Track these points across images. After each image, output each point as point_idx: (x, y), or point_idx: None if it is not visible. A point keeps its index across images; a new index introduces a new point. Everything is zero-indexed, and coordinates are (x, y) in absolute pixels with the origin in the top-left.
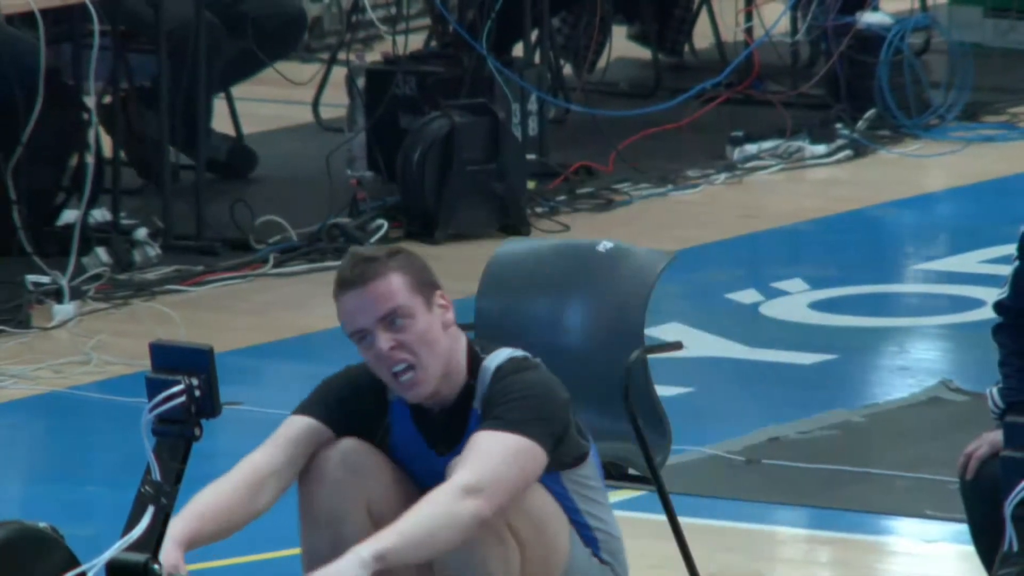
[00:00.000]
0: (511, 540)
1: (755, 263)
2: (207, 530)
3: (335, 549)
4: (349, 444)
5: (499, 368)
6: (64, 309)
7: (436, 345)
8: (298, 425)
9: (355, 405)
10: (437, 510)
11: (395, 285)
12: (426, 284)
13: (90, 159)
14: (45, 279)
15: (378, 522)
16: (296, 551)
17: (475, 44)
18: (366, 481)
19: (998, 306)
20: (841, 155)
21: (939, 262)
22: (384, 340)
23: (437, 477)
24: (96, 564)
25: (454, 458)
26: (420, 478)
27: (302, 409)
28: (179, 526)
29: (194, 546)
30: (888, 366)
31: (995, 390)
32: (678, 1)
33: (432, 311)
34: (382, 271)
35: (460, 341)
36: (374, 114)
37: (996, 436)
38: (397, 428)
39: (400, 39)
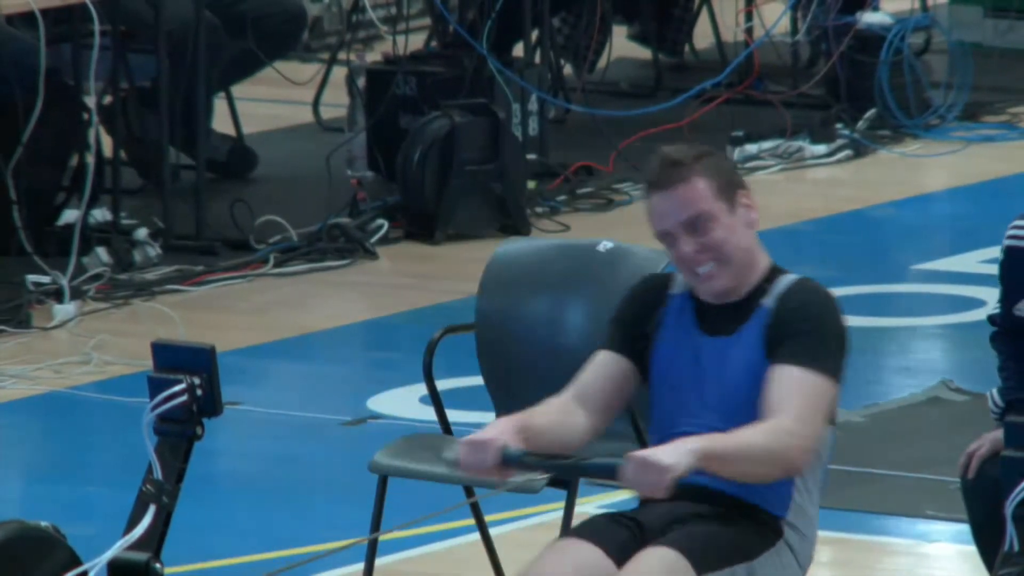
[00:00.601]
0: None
1: None
2: (538, 423)
3: None
4: (583, 555)
5: (802, 280)
6: (64, 309)
7: (737, 246)
8: (594, 358)
9: (639, 310)
10: (769, 441)
11: (700, 190)
12: (731, 186)
13: (90, 159)
14: (45, 279)
15: None
16: (296, 551)
17: (475, 44)
18: None
19: (990, 319)
20: (841, 155)
21: (939, 262)
22: (687, 243)
23: (695, 355)
24: (98, 563)
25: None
26: (677, 359)
27: (602, 342)
28: (504, 421)
29: (527, 432)
30: (888, 366)
31: (995, 391)
32: (678, 1)
33: (735, 212)
34: (687, 175)
35: (758, 243)
36: (374, 114)
37: (997, 436)
38: (671, 319)
39: (400, 39)
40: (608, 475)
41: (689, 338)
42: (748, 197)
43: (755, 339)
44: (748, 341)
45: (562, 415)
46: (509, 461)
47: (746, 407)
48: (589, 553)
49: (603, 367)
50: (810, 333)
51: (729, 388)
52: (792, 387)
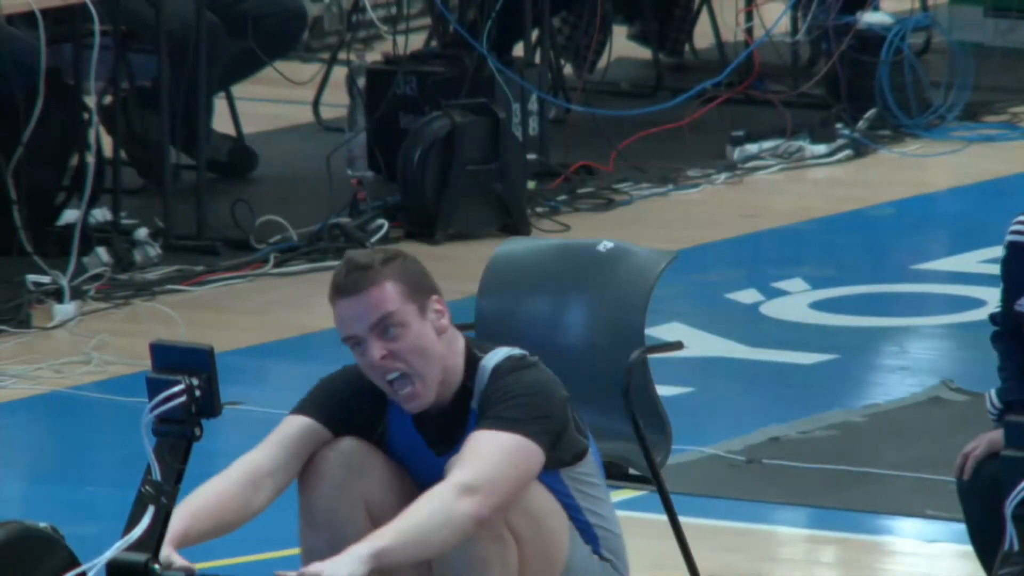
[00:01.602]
0: (510, 538)
1: (755, 263)
2: (199, 528)
3: (334, 548)
4: (349, 444)
5: (497, 367)
6: (64, 309)
7: (429, 353)
8: (296, 425)
9: (354, 404)
10: (434, 509)
11: (388, 293)
12: (421, 290)
13: (90, 159)
14: (45, 279)
15: (377, 521)
16: (296, 551)
17: (475, 44)
18: (365, 481)
19: (991, 319)
20: (841, 155)
21: (939, 262)
22: (376, 349)
23: (436, 476)
24: (96, 564)
25: (452, 457)
26: (419, 477)
27: (300, 409)
28: (171, 524)
29: (185, 544)
30: (888, 366)
31: (993, 392)
32: (678, 1)
33: (426, 317)
34: (376, 279)
35: (456, 344)
36: (374, 114)
37: (993, 436)
38: (395, 427)
39: (400, 39)
40: None
41: (416, 452)
42: (440, 303)
43: None
44: None
45: (239, 501)
46: None
47: None
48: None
49: (308, 444)
50: (503, 402)
51: None
52: (468, 445)
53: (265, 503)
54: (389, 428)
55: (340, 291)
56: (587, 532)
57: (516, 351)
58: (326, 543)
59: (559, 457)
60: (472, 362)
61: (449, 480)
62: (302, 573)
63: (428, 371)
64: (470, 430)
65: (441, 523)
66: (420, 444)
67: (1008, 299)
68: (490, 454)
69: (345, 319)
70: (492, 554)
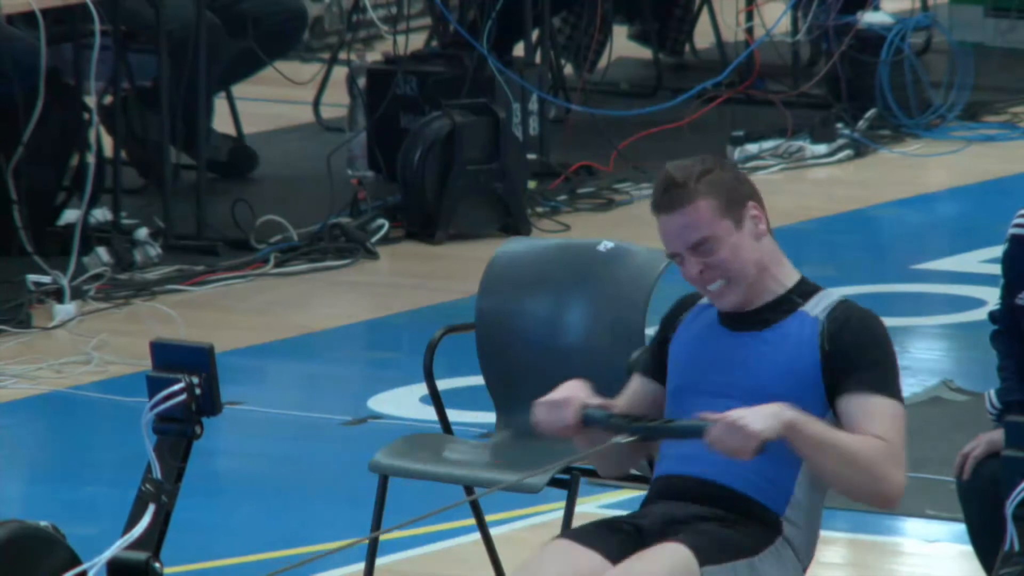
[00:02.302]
0: None
1: None
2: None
3: None
4: (578, 561)
5: (846, 303)
6: (65, 309)
7: (746, 261)
8: (631, 385)
9: (665, 329)
10: (876, 454)
11: (703, 213)
12: (736, 201)
13: (91, 159)
14: (46, 279)
15: None
16: (296, 551)
17: (476, 44)
18: None
19: (991, 317)
20: (842, 155)
21: (939, 262)
22: (692, 265)
23: (725, 353)
24: (97, 563)
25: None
26: (703, 356)
27: (638, 366)
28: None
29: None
30: None
31: (993, 392)
32: (678, 1)
33: (742, 228)
34: (691, 197)
35: (779, 255)
36: (375, 114)
37: (993, 436)
38: (690, 319)
39: (401, 39)
40: (696, 436)
41: (710, 332)
42: (757, 207)
43: (799, 341)
44: (788, 340)
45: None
46: (591, 421)
47: (775, 401)
48: (584, 557)
49: (636, 390)
50: (882, 362)
51: (759, 380)
52: (886, 418)
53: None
54: (676, 329)
55: (658, 207)
56: None
57: None
58: None
59: None
60: (810, 287)
61: (888, 446)
62: (724, 416)
63: (742, 276)
64: (797, 326)
65: (869, 470)
66: (717, 328)
67: (1008, 293)
68: (903, 435)
69: (664, 235)
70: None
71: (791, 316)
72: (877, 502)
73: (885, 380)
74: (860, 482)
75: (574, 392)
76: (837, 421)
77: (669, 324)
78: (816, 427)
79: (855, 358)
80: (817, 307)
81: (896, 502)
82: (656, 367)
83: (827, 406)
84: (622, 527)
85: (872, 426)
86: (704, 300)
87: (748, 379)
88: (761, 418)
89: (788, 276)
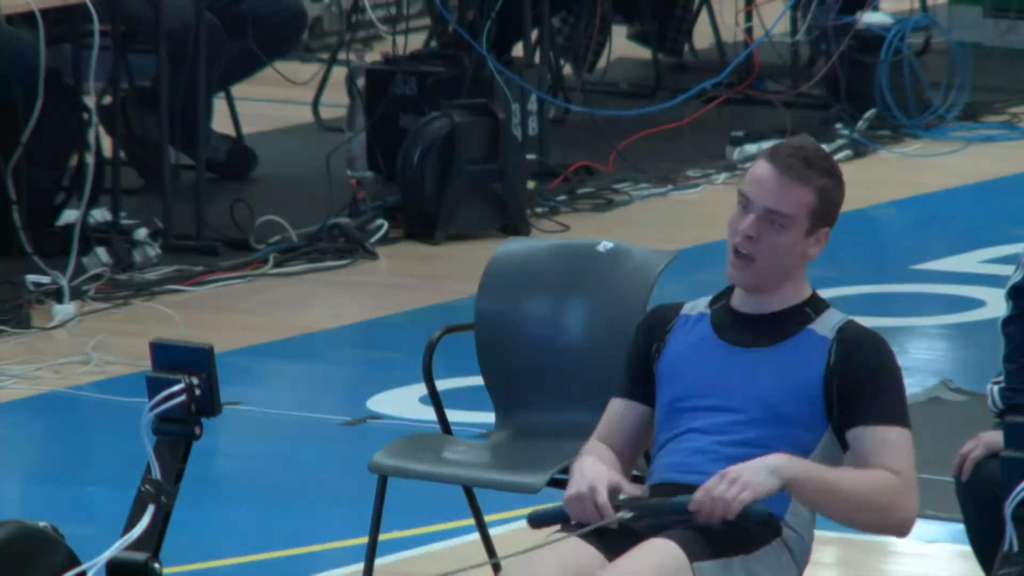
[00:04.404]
0: None
1: None
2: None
3: None
4: (573, 552)
5: (851, 321)
6: (64, 309)
7: (785, 259)
8: (613, 410)
9: (643, 346)
10: (882, 493)
11: (803, 199)
12: (825, 217)
13: (90, 159)
14: (45, 279)
15: None
16: (296, 551)
17: (475, 44)
18: None
19: (1015, 290)
20: (841, 155)
21: (939, 262)
22: (751, 225)
23: (724, 370)
24: (97, 563)
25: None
26: (699, 373)
27: (616, 389)
28: (592, 469)
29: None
30: None
31: (995, 388)
32: (678, 1)
33: (808, 237)
34: (807, 180)
35: (803, 269)
36: (374, 114)
37: (991, 437)
38: (682, 330)
39: (400, 39)
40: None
41: (707, 346)
42: (826, 237)
43: (806, 360)
44: (794, 358)
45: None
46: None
47: (779, 419)
48: (583, 552)
49: (621, 417)
50: (892, 388)
51: (762, 398)
52: (893, 447)
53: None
54: (665, 343)
55: (773, 159)
56: None
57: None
58: None
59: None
60: (821, 303)
61: (893, 478)
62: (723, 474)
63: (771, 269)
64: (805, 345)
65: (878, 508)
66: (716, 343)
67: None
68: (911, 462)
69: (758, 182)
70: None
71: (800, 334)
72: (888, 533)
73: (895, 408)
74: (870, 520)
75: (595, 482)
76: (841, 447)
77: (653, 336)
78: (818, 477)
79: (866, 383)
80: (826, 326)
81: (908, 531)
82: (638, 386)
83: (827, 423)
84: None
85: (884, 459)
86: (690, 311)
87: (750, 397)
88: (759, 473)
89: (805, 290)
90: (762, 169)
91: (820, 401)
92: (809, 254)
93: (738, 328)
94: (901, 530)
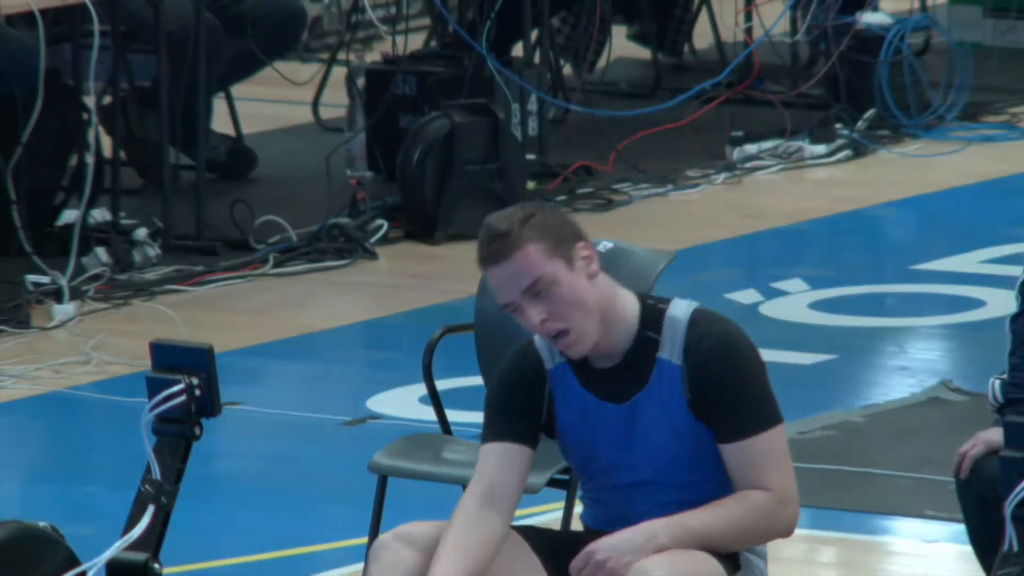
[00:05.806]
0: None
1: (755, 263)
2: (478, 566)
3: None
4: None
5: (694, 320)
6: (64, 309)
7: (586, 302)
8: (487, 452)
9: (518, 392)
10: (757, 515)
11: (532, 257)
12: (564, 241)
13: (90, 159)
14: (45, 279)
15: None
16: (296, 551)
17: (475, 44)
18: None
19: None
20: (841, 155)
21: (939, 262)
22: (534, 313)
23: (616, 429)
24: (96, 563)
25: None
26: (594, 437)
27: (484, 435)
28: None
29: None
30: (888, 366)
31: (997, 382)
32: (678, 1)
33: (574, 268)
34: (517, 243)
35: (615, 288)
36: (374, 114)
37: (990, 435)
38: (560, 397)
39: (400, 39)
40: None
41: (585, 405)
42: (586, 248)
43: (670, 400)
44: (660, 402)
45: (483, 537)
46: None
47: (676, 461)
48: (526, 562)
49: (507, 464)
50: (747, 392)
51: (653, 448)
52: (758, 459)
53: (501, 529)
54: (554, 400)
55: (485, 261)
56: None
57: (694, 303)
58: None
59: None
60: (654, 312)
61: (761, 495)
62: (590, 553)
63: (587, 320)
64: (664, 382)
65: (757, 527)
66: (591, 401)
67: None
68: (783, 459)
69: (496, 288)
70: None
71: (657, 370)
72: (775, 539)
73: (754, 414)
74: (757, 539)
75: None
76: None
77: (537, 388)
78: (691, 530)
79: (720, 403)
80: (673, 347)
81: (791, 532)
82: (520, 429)
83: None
84: (565, 536)
85: (753, 477)
86: (549, 362)
87: (649, 451)
88: (625, 554)
89: (631, 305)
90: (488, 277)
91: (702, 428)
92: (591, 271)
93: (602, 380)
94: (787, 535)
